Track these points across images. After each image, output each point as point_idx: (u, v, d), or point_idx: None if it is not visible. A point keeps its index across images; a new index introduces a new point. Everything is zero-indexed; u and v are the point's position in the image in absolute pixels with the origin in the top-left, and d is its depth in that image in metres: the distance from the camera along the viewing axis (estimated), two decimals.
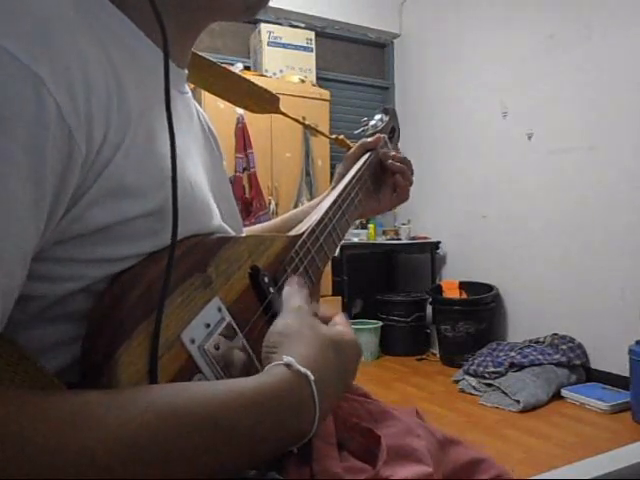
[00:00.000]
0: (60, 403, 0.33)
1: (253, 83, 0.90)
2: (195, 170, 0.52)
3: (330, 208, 0.69)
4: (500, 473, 0.66)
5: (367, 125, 0.97)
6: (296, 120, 1.02)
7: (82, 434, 0.32)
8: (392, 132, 0.99)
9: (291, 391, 0.41)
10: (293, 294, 0.51)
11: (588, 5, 3.00)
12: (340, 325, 0.51)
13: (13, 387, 0.34)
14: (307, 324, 0.47)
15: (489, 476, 0.65)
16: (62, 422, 0.32)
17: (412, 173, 0.88)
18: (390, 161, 0.86)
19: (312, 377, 0.42)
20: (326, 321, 0.52)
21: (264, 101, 0.91)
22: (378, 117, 0.98)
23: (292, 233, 0.62)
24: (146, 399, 0.35)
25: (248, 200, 3.41)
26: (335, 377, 0.46)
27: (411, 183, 0.87)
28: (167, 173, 0.43)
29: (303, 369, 0.42)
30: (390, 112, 0.99)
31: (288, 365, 0.42)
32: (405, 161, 0.87)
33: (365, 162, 0.83)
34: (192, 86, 0.69)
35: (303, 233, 0.62)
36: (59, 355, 0.41)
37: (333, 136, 1.04)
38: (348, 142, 1.00)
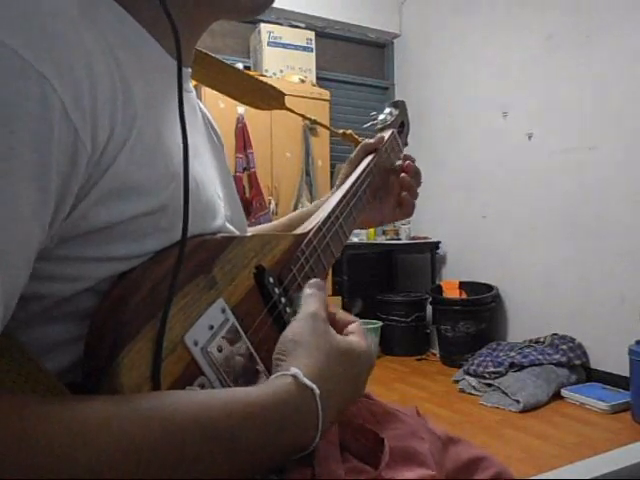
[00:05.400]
0: (64, 411, 0.33)
1: (258, 79, 0.90)
2: (202, 169, 0.51)
3: (337, 205, 0.68)
4: (501, 471, 0.66)
5: (376, 119, 0.94)
6: (302, 115, 1.02)
7: (86, 445, 0.32)
8: (401, 126, 0.96)
9: (295, 404, 0.40)
10: (311, 297, 0.50)
11: (587, 5, 3.00)
12: (354, 334, 0.50)
13: (16, 393, 0.34)
14: (320, 333, 0.47)
15: (490, 474, 0.65)
16: (66, 432, 0.32)
17: (419, 185, 0.84)
18: (403, 174, 0.82)
19: (318, 391, 0.41)
20: (342, 327, 0.52)
21: (269, 97, 0.91)
22: (387, 111, 0.95)
23: (298, 231, 0.61)
24: (149, 408, 0.35)
25: (248, 200, 3.41)
26: (342, 390, 0.45)
27: (416, 197, 0.84)
28: (173, 171, 0.43)
29: (309, 382, 0.41)
30: (400, 106, 0.96)
31: (295, 377, 0.41)
32: (415, 171, 0.84)
33: (370, 163, 0.80)
34: (194, 83, 0.69)
35: (309, 231, 0.60)
36: (62, 354, 0.40)
37: (340, 131, 1.01)
38: (356, 137, 0.98)
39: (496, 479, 0.65)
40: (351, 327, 0.52)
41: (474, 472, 0.65)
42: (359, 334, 0.51)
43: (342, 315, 0.53)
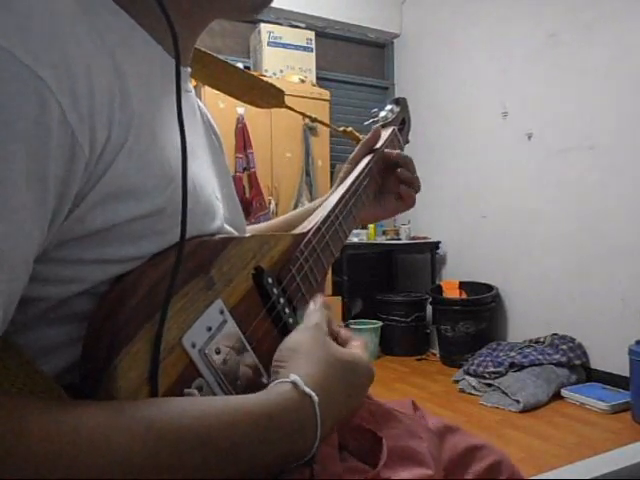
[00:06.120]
0: (62, 417, 0.33)
1: (257, 77, 0.90)
2: (200, 170, 0.51)
3: (337, 205, 0.67)
4: (500, 459, 0.66)
5: (377, 116, 0.94)
6: (301, 113, 1.02)
7: (82, 453, 0.32)
8: (402, 123, 0.96)
9: (294, 412, 0.40)
10: (315, 312, 0.51)
11: (588, 4, 3.00)
12: (355, 348, 0.51)
13: (14, 397, 0.34)
14: (320, 343, 0.47)
15: (487, 463, 0.65)
16: (65, 437, 0.32)
17: (414, 171, 0.83)
18: (400, 169, 0.81)
19: (317, 399, 0.41)
20: (344, 344, 0.52)
21: (269, 95, 0.91)
22: (389, 108, 0.95)
23: (297, 231, 0.61)
24: (146, 417, 0.35)
25: (248, 200, 3.41)
26: (341, 399, 0.45)
27: (417, 190, 0.83)
28: (170, 173, 0.43)
29: (308, 390, 0.41)
30: (401, 103, 0.96)
31: (294, 384, 0.41)
32: (404, 160, 0.82)
33: (370, 161, 0.80)
34: (194, 83, 0.68)
35: (309, 231, 0.60)
36: (60, 356, 0.40)
37: (341, 128, 1.01)
38: (357, 134, 0.98)
39: (490, 469, 0.64)
40: (352, 342, 0.52)
41: (471, 461, 0.65)
42: (360, 348, 0.51)
43: (346, 332, 0.54)
